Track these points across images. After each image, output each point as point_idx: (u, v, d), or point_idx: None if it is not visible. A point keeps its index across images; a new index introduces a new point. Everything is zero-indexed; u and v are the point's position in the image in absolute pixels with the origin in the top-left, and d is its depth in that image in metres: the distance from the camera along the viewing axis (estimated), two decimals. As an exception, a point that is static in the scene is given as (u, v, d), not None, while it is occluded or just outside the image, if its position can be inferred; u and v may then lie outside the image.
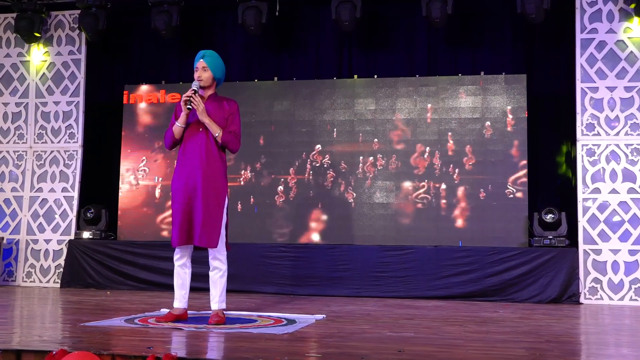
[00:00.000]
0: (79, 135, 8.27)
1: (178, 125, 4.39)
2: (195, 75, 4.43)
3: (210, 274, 4.43)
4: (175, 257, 4.45)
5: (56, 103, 8.37)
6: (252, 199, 7.88)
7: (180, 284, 4.43)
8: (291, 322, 4.46)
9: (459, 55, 7.84)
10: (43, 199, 8.26)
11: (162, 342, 3.60)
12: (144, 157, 8.20)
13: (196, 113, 4.35)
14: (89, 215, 8.01)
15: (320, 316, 4.97)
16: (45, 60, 8.45)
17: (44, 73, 8.44)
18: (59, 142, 8.31)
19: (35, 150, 8.36)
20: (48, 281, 8.06)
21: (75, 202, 8.16)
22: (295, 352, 3.42)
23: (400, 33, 8.01)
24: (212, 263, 4.41)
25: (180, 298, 4.44)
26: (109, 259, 7.75)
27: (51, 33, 8.45)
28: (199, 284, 7.13)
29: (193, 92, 4.33)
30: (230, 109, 4.48)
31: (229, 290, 7.16)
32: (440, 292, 7.00)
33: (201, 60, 4.43)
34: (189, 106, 4.32)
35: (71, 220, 8.13)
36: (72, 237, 8.05)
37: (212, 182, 4.36)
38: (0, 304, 5.92)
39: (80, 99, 8.30)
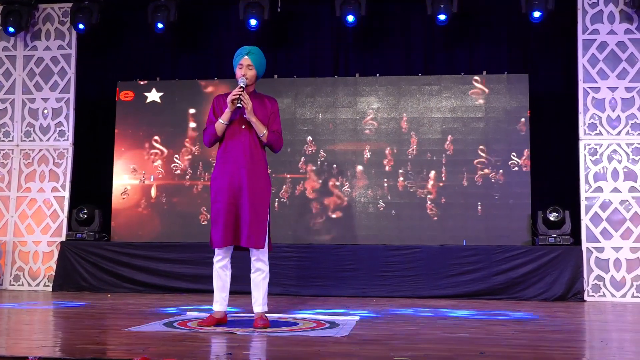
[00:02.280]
0: (70, 133, 7.97)
1: (222, 123, 4.24)
2: (240, 72, 4.26)
3: (253, 275, 4.28)
4: (216, 258, 4.28)
5: (45, 99, 8.06)
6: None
7: (221, 287, 4.28)
8: (333, 324, 4.34)
9: (460, 55, 7.88)
10: (31, 199, 7.93)
11: (238, 348, 3.42)
12: (138, 156, 7.96)
13: (238, 111, 4.20)
14: (81, 215, 7.73)
15: (353, 318, 4.86)
16: (33, 55, 8.12)
17: (31, 68, 8.11)
18: (48, 140, 8.00)
19: (23, 149, 8.03)
20: (38, 284, 7.75)
21: (66, 203, 7.86)
22: (380, 356, 3.30)
23: (401, 32, 8.00)
24: (255, 264, 4.26)
25: (221, 301, 4.29)
26: (104, 260, 7.50)
27: (39, 27, 8.13)
28: (201, 285, 7.06)
29: (241, 89, 4.18)
30: (272, 107, 4.36)
31: (233, 292, 7.09)
32: (448, 291, 6.98)
33: (246, 57, 4.26)
34: (238, 104, 4.17)
35: (62, 221, 7.83)
36: (63, 238, 7.76)
37: (257, 180, 4.24)
38: (11, 310, 5.63)
39: (71, 95, 8.01)
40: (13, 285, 7.79)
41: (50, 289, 7.63)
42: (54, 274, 7.66)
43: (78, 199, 7.98)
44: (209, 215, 7.73)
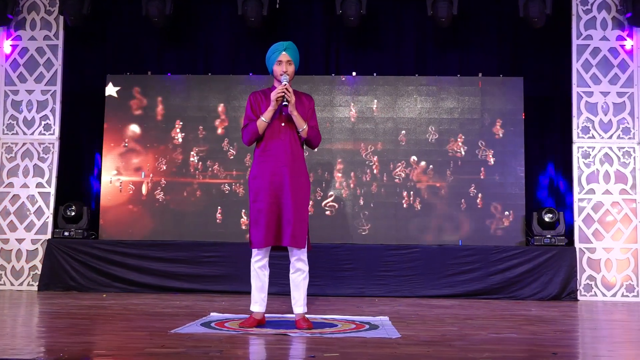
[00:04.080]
0: (56, 127, 7.69)
1: (264, 121, 4.14)
2: (281, 68, 4.17)
3: (293, 276, 4.19)
4: (255, 258, 4.17)
5: (29, 92, 7.75)
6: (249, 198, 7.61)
7: (260, 287, 4.18)
8: (371, 324, 4.29)
9: (456, 57, 7.94)
10: (14, 195, 7.62)
11: (312, 351, 3.34)
12: (129, 151, 7.74)
13: (278, 108, 4.12)
14: (69, 212, 7.47)
15: (383, 317, 4.82)
16: (17, 45, 7.80)
17: (14, 59, 7.79)
18: (32, 133, 7.70)
19: (5, 142, 7.71)
20: (21, 284, 7.44)
21: (52, 199, 7.58)
22: (461, 358, 3.26)
23: (397, 32, 8.01)
24: (296, 264, 4.17)
25: (260, 302, 4.19)
26: (94, 259, 7.26)
27: (23, 16, 7.81)
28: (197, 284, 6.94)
29: (285, 86, 4.09)
30: (309, 104, 4.30)
31: (232, 292, 6.99)
32: (446, 290, 7.03)
33: (284, 52, 4.19)
34: (284, 102, 4.08)
35: (48, 218, 7.55)
36: (48, 236, 7.47)
37: (298, 178, 4.16)
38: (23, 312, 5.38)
39: (57, 88, 7.72)
40: (-6, 284, 7.47)
41: (34, 288, 7.34)
42: (39, 272, 7.38)
43: (63, 195, 7.71)
44: (205, 213, 7.60)
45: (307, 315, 4.29)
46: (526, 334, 4.26)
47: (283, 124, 4.18)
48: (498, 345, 3.75)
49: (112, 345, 3.49)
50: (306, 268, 4.16)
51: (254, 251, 4.15)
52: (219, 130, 7.74)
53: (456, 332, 4.25)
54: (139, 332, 4.03)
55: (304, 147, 4.33)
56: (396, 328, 4.28)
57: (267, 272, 4.18)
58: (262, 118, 4.14)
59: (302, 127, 4.16)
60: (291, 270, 4.16)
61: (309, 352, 3.32)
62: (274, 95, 4.09)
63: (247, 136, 4.20)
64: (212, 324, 4.24)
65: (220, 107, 7.76)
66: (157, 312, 5.12)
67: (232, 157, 7.68)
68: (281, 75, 4.17)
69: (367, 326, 4.28)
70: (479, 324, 4.77)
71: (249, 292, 6.84)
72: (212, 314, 4.85)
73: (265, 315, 4.35)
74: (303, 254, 4.12)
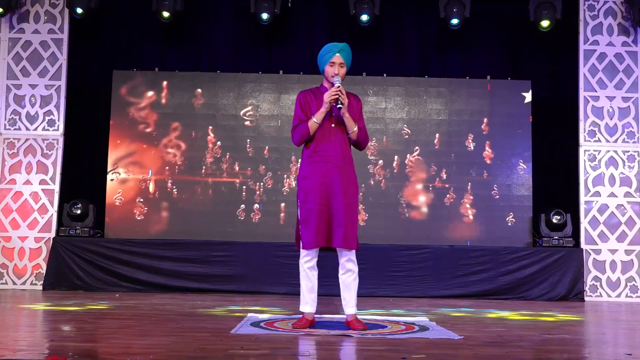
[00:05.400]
0: (60, 123, 7.52)
1: (315, 122, 4.11)
2: (333, 70, 4.12)
3: (343, 277, 4.14)
4: (305, 259, 4.12)
5: (33, 86, 7.57)
6: (257, 197, 7.57)
7: (310, 288, 4.13)
8: (423, 327, 4.28)
9: (466, 59, 8.02)
10: (16, 192, 7.43)
11: (394, 352, 3.32)
12: (135, 149, 7.62)
13: (335, 108, 4.09)
14: (74, 210, 7.31)
15: (424, 319, 4.81)
16: (20, 38, 7.61)
17: (17, 52, 7.60)
18: (35, 129, 7.52)
19: (7, 138, 7.51)
20: (24, 283, 7.26)
21: (56, 196, 7.42)
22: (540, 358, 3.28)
23: (407, 34, 8.06)
24: (346, 265, 4.13)
25: (311, 302, 4.14)
26: (101, 258, 7.12)
27: (27, 8, 7.62)
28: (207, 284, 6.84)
29: (338, 88, 4.07)
30: (357, 105, 4.27)
31: (239, 292, 6.93)
32: (456, 291, 7.09)
33: (338, 55, 4.13)
34: (338, 105, 4.07)
35: (52, 215, 7.38)
36: (52, 234, 7.31)
37: (348, 180, 4.14)
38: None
39: (62, 83, 7.56)
40: (-5, 283, 7.27)
41: (37, 287, 7.17)
42: (42, 271, 7.22)
43: (68, 193, 7.55)
44: (212, 211, 7.52)
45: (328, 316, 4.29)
46: (575, 334, 4.35)
47: (333, 125, 4.17)
48: (562, 346, 3.76)
49: (189, 346, 3.40)
50: (356, 269, 4.14)
51: (303, 252, 4.11)
52: (227, 128, 7.67)
53: (507, 332, 4.28)
54: (197, 332, 3.96)
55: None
56: (445, 328, 4.28)
57: (316, 273, 4.14)
58: (314, 119, 4.13)
59: (353, 128, 4.15)
60: (341, 272, 4.13)
61: (388, 353, 3.29)
62: (327, 97, 4.06)
63: (298, 137, 4.19)
64: (262, 324, 4.20)
65: (229, 105, 7.70)
66: (192, 313, 5.03)
67: (241, 155, 7.62)
68: (333, 76, 4.13)
69: (416, 327, 4.27)
70: (521, 324, 4.81)
71: (260, 292, 6.91)
72: (249, 314, 4.80)
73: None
74: (353, 255, 4.11)
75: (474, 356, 3.28)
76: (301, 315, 4.22)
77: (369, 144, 7.23)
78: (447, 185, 7.62)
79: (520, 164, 7.61)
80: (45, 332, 4.08)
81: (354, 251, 4.10)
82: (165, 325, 4.24)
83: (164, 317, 4.77)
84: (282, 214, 7.56)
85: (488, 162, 7.64)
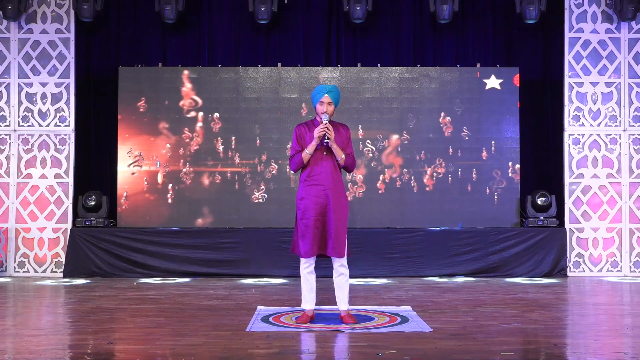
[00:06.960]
0: (71, 119, 7.95)
1: (308, 154, 4.82)
2: (322, 108, 4.82)
3: (337, 279, 4.88)
4: (304, 265, 4.86)
5: (43, 84, 7.96)
6: (262, 185, 8.04)
7: (310, 288, 4.88)
8: (404, 318, 4.94)
9: (455, 47, 8.36)
10: (33, 186, 7.91)
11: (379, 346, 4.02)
12: (143, 141, 8.06)
13: (322, 142, 4.77)
14: (89, 202, 7.80)
15: (407, 308, 5.42)
16: (29, 38, 7.96)
17: (27, 52, 7.97)
18: (47, 125, 7.95)
19: (21, 134, 7.95)
20: (45, 270, 7.81)
21: (70, 189, 7.89)
22: (479, 351, 3.86)
23: (398, 25, 8.38)
24: (339, 270, 4.86)
25: (311, 300, 4.89)
26: (116, 246, 7.65)
27: (34, 9, 7.96)
28: (215, 269, 7.35)
29: (325, 125, 4.69)
30: (346, 133, 4.94)
31: (240, 275, 7.50)
32: (447, 270, 7.62)
33: (326, 95, 4.84)
34: (326, 141, 4.72)
35: (67, 207, 7.87)
36: (69, 225, 7.82)
37: (339, 199, 4.84)
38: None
39: (71, 80, 7.95)
40: (18, 271, 7.81)
41: (58, 274, 7.72)
42: (61, 260, 7.75)
43: (82, 185, 8.03)
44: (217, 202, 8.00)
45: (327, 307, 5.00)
46: (529, 323, 4.93)
47: (324, 153, 4.88)
48: (510, 337, 4.43)
49: (217, 347, 4.12)
50: (347, 272, 4.89)
51: (302, 260, 4.78)
52: (230, 120, 8.08)
53: (473, 322, 4.92)
54: (219, 331, 4.63)
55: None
56: (423, 319, 4.97)
57: (314, 276, 4.89)
58: (307, 151, 4.83)
59: (340, 156, 4.87)
60: (335, 275, 4.86)
61: (369, 349, 4.02)
62: (316, 133, 4.76)
63: (294, 165, 4.91)
64: (271, 319, 4.95)
65: (232, 98, 8.09)
66: (210, 307, 5.66)
67: (244, 145, 8.05)
68: (322, 114, 4.74)
69: (399, 319, 4.98)
70: (489, 312, 5.37)
71: (263, 275, 7.47)
72: (259, 307, 5.44)
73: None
74: (344, 260, 4.87)
75: (434, 349, 4.02)
76: (303, 312, 4.94)
77: (379, 134, 7.67)
78: (438, 170, 8.06)
79: (509, 147, 8.03)
80: (92, 335, 4.58)
81: (345, 257, 4.73)
82: (192, 323, 4.91)
83: (187, 312, 5.39)
84: (283, 200, 8.03)
85: (478, 146, 8.06)
